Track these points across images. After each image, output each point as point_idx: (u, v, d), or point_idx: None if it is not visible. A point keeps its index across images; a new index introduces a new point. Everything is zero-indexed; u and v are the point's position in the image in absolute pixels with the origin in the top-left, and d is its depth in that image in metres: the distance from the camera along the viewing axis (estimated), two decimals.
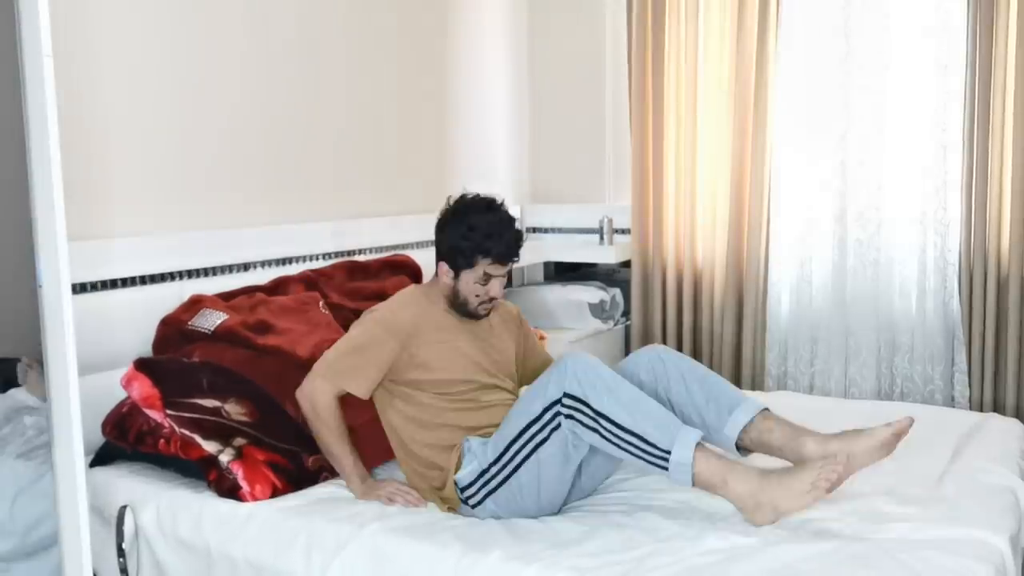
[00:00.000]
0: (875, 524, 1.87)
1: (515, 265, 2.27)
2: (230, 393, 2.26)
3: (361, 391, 2.14)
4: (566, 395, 1.90)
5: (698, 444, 1.86)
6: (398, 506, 2.06)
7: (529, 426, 1.96)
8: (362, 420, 2.24)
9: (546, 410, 1.94)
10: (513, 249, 2.18)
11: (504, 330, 2.35)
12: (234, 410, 2.24)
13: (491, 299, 2.20)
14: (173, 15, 2.64)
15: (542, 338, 3.24)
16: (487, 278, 2.18)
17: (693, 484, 1.87)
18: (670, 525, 1.90)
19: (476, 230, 2.15)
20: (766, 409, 2.04)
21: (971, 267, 3.29)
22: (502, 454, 2.00)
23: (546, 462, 1.96)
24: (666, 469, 1.86)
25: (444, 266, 2.22)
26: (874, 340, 3.51)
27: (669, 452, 1.84)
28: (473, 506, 2.05)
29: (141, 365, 2.25)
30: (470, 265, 2.17)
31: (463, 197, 2.24)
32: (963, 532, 1.80)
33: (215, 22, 2.77)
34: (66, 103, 1.82)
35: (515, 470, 1.98)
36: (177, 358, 2.36)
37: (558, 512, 2.06)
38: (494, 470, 2.01)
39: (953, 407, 3.34)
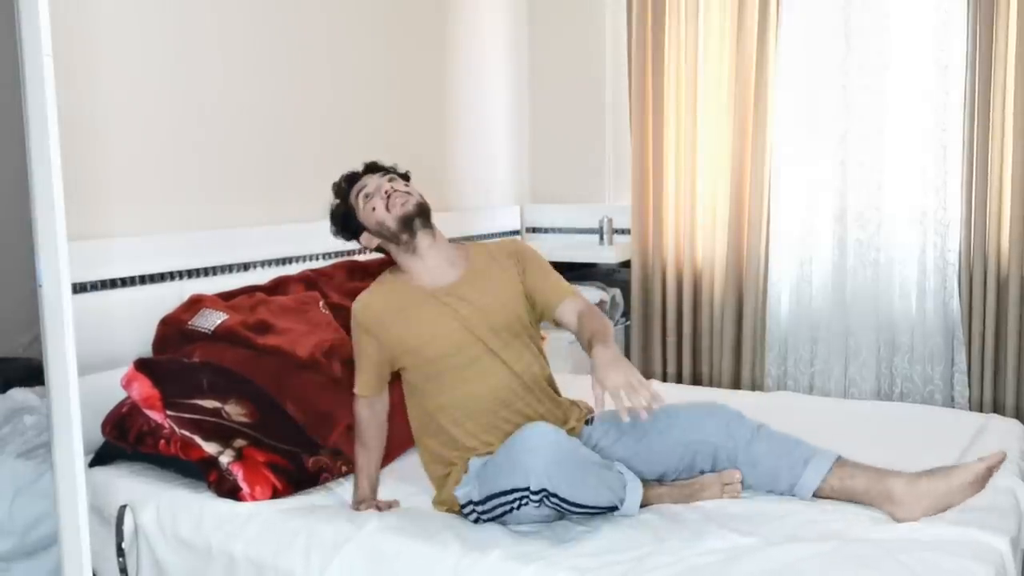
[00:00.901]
0: (875, 525, 1.87)
1: (380, 172, 2.23)
2: (230, 393, 2.26)
3: (364, 390, 2.16)
4: (533, 490, 1.81)
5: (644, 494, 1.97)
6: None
7: (499, 495, 1.88)
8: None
9: (515, 491, 1.84)
10: (355, 174, 2.22)
11: (491, 276, 2.19)
12: (234, 411, 2.24)
13: (384, 193, 2.15)
14: (173, 15, 2.64)
15: (543, 338, 3.24)
16: (365, 196, 2.17)
17: None
18: (670, 525, 1.90)
19: (333, 203, 2.24)
20: (840, 457, 1.99)
21: (971, 267, 3.30)
22: (486, 500, 1.92)
23: (529, 515, 1.90)
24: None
25: (364, 236, 2.21)
26: (874, 340, 3.51)
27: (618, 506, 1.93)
28: (472, 521, 2.00)
29: (141, 365, 2.25)
30: (354, 210, 2.19)
31: None
32: (963, 533, 1.79)
33: (216, 22, 2.77)
34: (66, 103, 1.82)
35: (500, 516, 1.92)
36: (177, 358, 2.36)
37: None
38: (480, 509, 1.94)
39: (953, 407, 3.34)
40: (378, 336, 2.13)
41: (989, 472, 1.89)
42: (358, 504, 2.09)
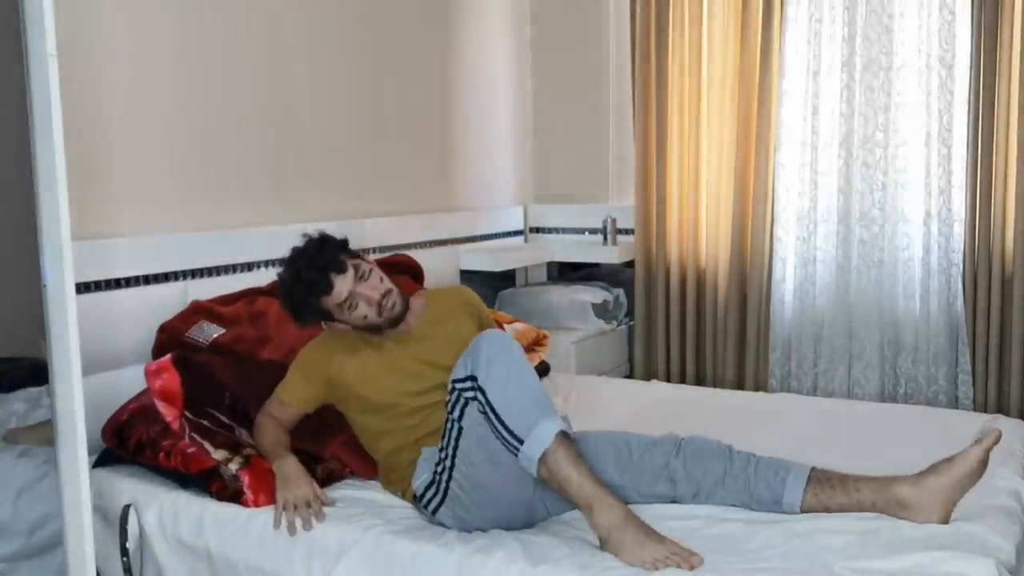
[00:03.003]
0: (878, 524, 1.87)
1: (358, 261, 2.13)
2: (246, 423, 2.28)
3: (291, 399, 2.20)
4: (470, 376, 1.85)
5: (561, 441, 1.77)
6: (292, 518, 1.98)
7: (447, 406, 1.92)
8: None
9: (453, 389, 1.89)
10: (321, 265, 2.06)
11: (446, 323, 2.24)
12: (244, 435, 2.25)
13: (379, 299, 2.09)
14: (177, 16, 2.64)
15: (545, 338, 3.24)
16: (349, 301, 2.08)
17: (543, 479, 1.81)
18: (681, 525, 1.89)
19: (290, 289, 2.12)
20: (815, 468, 1.95)
21: (975, 267, 3.29)
22: (442, 447, 1.94)
23: (475, 462, 1.88)
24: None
25: (332, 325, 2.17)
26: (878, 341, 3.50)
27: (522, 442, 1.78)
28: (433, 513, 1.98)
29: (177, 360, 2.26)
30: (323, 313, 2.12)
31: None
32: (968, 534, 1.79)
33: (219, 23, 2.77)
34: (70, 103, 1.82)
35: (452, 466, 1.92)
36: (211, 369, 2.35)
37: (536, 524, 1.98)
38: (439, 470, 1.95)
39: (957, 408, 3.33)
40: (327, 358, 2.17)
41: (987, 453, 1.88)
42: (293, 487, 2.01)
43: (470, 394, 1.85)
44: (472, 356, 1.87)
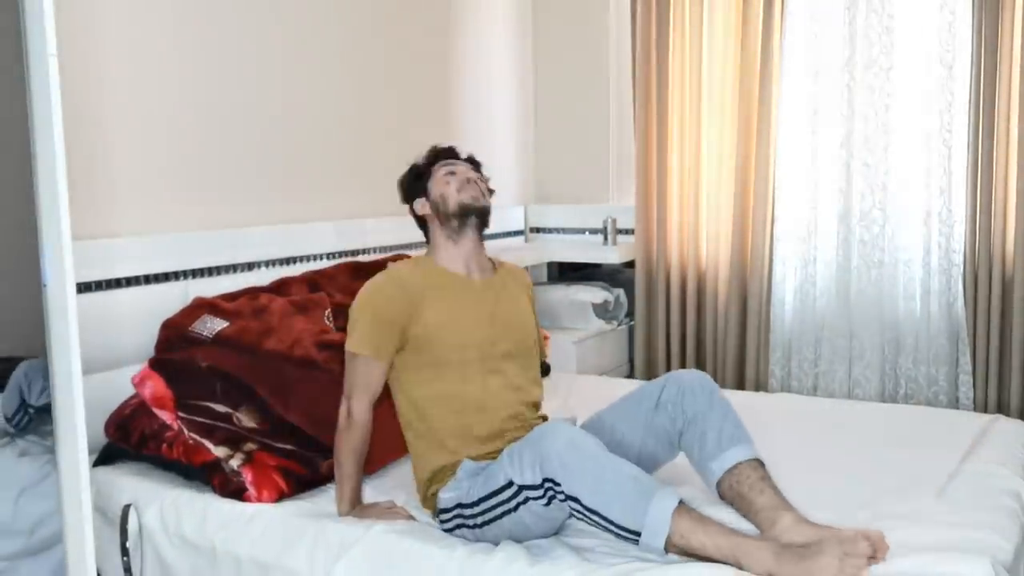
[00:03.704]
0: (879, 525, 1.86)
1: (473, 165, 2.27)
2: (242, 401, 2.26)
3: (371, 350, 2.05)
4: (546, 479, 1.74)
5: (679, 515, 1.68)
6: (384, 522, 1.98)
7: (501, 491, 1.83)
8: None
9: (520, 490, 1.79)
10: (453, 149, 2.25)
11: (514, 295, 2.24)
12: (245, 417, 2.24)
13: (467, 179, 2.18)
14: (177, 15, 2.65)
15: (546, 338, 3.24)
16: (449, 172, 2.18)
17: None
18: None
19: (420, 161, 2.25)
20: (758, 460, 1.90)
21: (976, 268, 3.29)
22: (478, 503, 1.87)
23: (532, 518, 1.82)
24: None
25: (419, 201, 2.22)
26: (878, 341, 3.50)
27: (639, 534, 1.69)
28: (445, 530, 1.95)
29: (156, 365, 2.25)
30: (430, 175, 2.20)
31: None
32: (967, 535, 1.79)
33: (219, 22, 2.77)
34: (71, 103, 1.82)
35: (492, 520, 1.86)
36: (193, 361, 2.33)
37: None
38: (469, 512, 1.89)
39: (958, 409, 3.33)
40: (408, 305, 2.04)
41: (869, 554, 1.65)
42: (371, 509, 2.02)
43: (544, 499, 1.76)
44: (542, 460, 1.74)
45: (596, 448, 1.77)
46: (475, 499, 1.87)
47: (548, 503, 1.76)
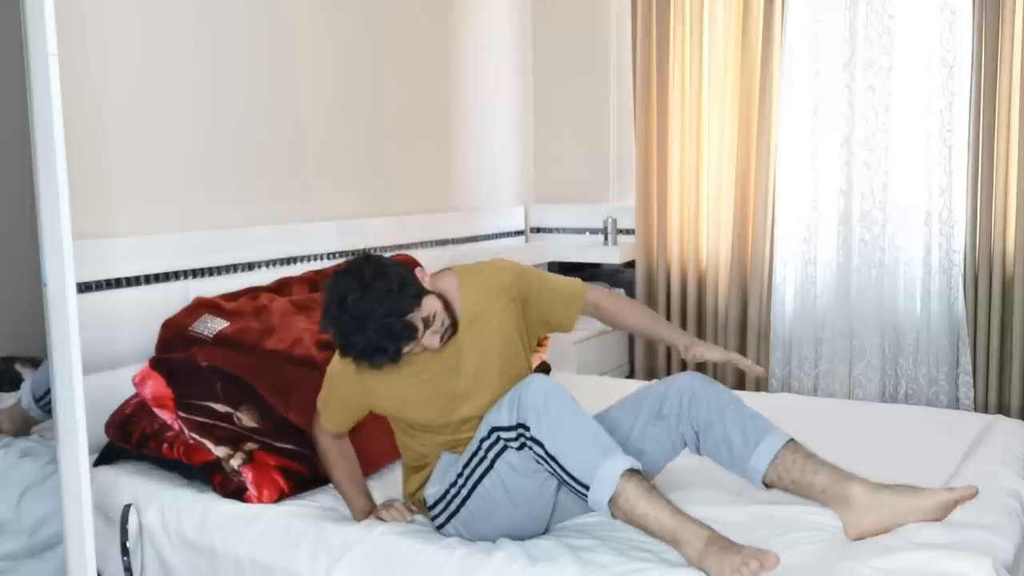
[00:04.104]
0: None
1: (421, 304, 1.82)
2: (242, 400, 2.26)
3: (332, 425, 2.06)
4: (519, 424, 1.78)
5: (629, 479, 1.70)
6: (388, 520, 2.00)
7: (480, 445, 1.86)
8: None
9: (494, 433, 1.83)
10: (388, 343, 1.78)
11: (485, 324, 1.97)
12: (245, 417, 2.24)
13: (439, 343, 1.88)
14: (178, 15, 2.65)
15: (545, 338, 3.24)
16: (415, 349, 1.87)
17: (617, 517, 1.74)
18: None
19: (354, 343, 1.80)
20: (792, 440, 1.88)
21: (976, 268, 3.29)
22: (460, 472, 1.89)
23: (494, 498, 1.85)
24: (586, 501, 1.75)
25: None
26: (879, 341, 3.50)
27: (588, 488, 1.72)
28: (438, 527, 1.96)
29: (157, 364, 2.25)
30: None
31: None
32: (968, 534, 1.79)
33: (220, 22, 2.77)
34: (71, 102, 1.82)
35: (468, 496, 1.87)
36: (193, 360, 2.33)
37: (546, 531, 1.96)
38: (454, 492, 1.90)
39: (958, 409, 3.33)
40: (362, 392, 1.99)
41: (955, 504, 1.80)
42: (375, 513, 2.03)
43: (516, 443, 1.79)
44: (519, 404, 1.79)
45: (570, 402, 1.81)
46: (456, 474, 1.90)
47: (520, 447, 1.79)
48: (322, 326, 1.83)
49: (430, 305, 1.84)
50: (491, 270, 2.05)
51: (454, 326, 1.92)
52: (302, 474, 2.17)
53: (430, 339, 1.86)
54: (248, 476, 2.09)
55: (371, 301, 1.75)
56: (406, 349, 1.82)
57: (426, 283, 1.89)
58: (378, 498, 2.13)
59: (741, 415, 1.93)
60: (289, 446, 2.20)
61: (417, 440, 2.05)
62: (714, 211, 3.75)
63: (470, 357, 1.97)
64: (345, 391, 2.01)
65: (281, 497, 2.10)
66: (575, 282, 2.15)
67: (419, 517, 2.04)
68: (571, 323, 2.13)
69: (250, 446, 2.16)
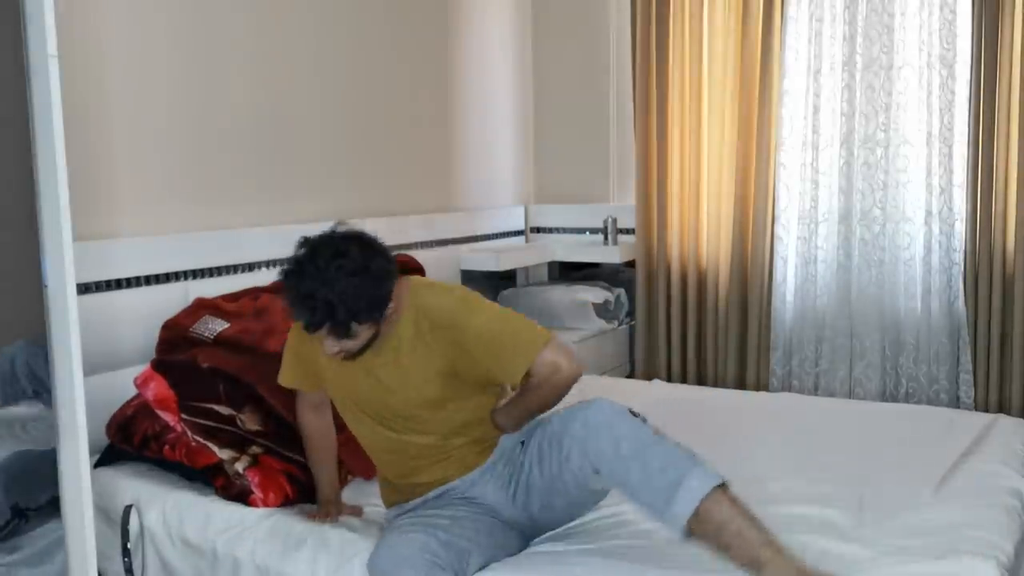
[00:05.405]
0: (880, 524, 1.86)
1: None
2: (245, 403, 2.26)
3: (289, 380, 2.08)
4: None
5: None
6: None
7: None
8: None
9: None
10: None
11: (414, 352, 1.87)
12: (248, 419, 2.24)
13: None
14: (178, 16, 2.65)
15: None
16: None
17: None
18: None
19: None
20: (723, 485, 1.65)
21: (976, 267, 3.29)
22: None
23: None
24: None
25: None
26: (879, 340, 3.50)
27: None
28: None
29: (159, 366, 2.25)
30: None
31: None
32: (968, 533, 1.79)
33: (220, 23, 2.77)
34: (72, 104, 1.82)
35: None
36: (195, 363, 2.33)
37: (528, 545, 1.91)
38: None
39: (959, 408, 3.33)
40: (308, 350, 1.98)
41: None
42: (324, 506, 2.06)
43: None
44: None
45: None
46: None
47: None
48: (291, 259, 1.85)
49: (366, 333, 1.81)
50: (440, 310, 1.89)
51: (358, 354, 1.86)
52: (306, 482, 2.16)
53: (332, 348, 1.81)
54: (254, 479, 2.08)
55: (342, 276, 1.73)
56: (318, 333, 1.79)
57: (399, 303, 1.86)
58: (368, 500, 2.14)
59: (647, 458, 1.71)
60: (295, 455, 2.19)
61: (359, 431, 2.02)
62: (714, 210, 3.75)
63: (388, 376, 1.90)
64: (295, 345, 2.04)
65: (284, 502, 2.11)
66: (529, 346, 1.84)
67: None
68: (512, 380, 1.91)
69: (255, 449, 2.16)
